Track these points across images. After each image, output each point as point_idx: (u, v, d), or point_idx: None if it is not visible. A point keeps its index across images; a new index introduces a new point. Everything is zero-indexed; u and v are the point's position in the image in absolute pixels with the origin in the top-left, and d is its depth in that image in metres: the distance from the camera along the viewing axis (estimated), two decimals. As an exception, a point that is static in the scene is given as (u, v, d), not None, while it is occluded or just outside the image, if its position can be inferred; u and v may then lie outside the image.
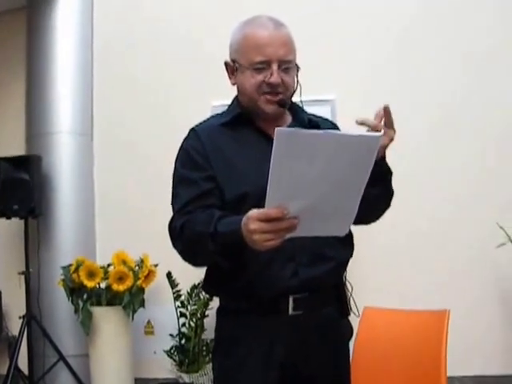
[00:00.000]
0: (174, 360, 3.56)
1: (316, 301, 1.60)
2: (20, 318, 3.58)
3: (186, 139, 1.68)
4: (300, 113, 1.72)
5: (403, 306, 2.44)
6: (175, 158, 1.68)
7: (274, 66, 1.57)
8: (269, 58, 1.57)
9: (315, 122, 1.70)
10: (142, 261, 3.58)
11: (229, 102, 1.74)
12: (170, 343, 3.60)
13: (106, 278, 3.53)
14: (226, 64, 1.68)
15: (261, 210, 1.31)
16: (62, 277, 3.54)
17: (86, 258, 3.60)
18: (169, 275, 3.57)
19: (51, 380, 3.70)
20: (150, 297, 3.63)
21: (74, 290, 3.53)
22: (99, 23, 4.10)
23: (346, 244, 1.67)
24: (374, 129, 1.47)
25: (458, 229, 3.55)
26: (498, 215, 3.36)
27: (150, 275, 3.57)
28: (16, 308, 3.79)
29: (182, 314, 3.56)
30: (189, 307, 3.54)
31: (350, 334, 1.77)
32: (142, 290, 3.55)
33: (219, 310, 1.71)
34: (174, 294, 3.58)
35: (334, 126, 1.78)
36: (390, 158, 1.57)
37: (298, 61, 1.64)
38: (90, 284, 3.48)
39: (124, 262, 3.54)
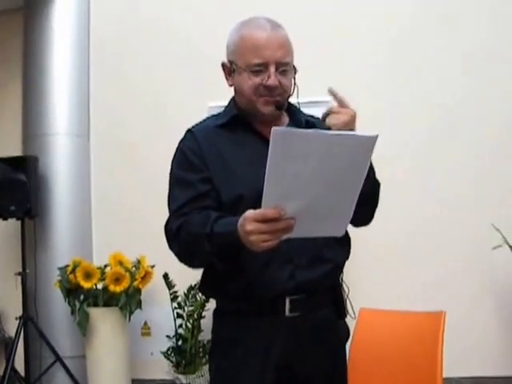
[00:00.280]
0: (171, 361, 3.56)
1: (313, 303, 1.60)
2: (16, 318, 3.58)
3: (182, 140, 1.67)
4: (297, 114, 1.72)
5: (399, 308, 2.44)
6: (172, 158, 1.67)
7: (272, 69, 1.56)
8: (266, 60, 1.55)
9: (312, 124, 1.69)
10: (138, 262, 3.59)
11: (225, 103, 1.73)
12: (166, 344, 3.60)
13: (102, 278, 3.53)
14: (223, 65, 1.66)
15: (257, 211, 1.31)
16: (59, 278, 3.54)
17: (82, 258, 3.61)
18: (165, 276, 3.57)
19: (48, 381, 3.69)
20: (146, 298, 3.62)
21: (71, 291, 3.53)
22: (96, 24, 4.10)
23: (344, 245, 1.68)
24: (340, 103, 1.52)
25: (455, 230, 3.56)
26: (495, 217, 3.37)
27: (146, 276, 3.57)
28: (12, 309, 3.79)
29: (179, 315, 3.56)
30: (185, 308, 3.54)
31: (346, 336, 1.78)
32: (138, 291, 3.55)
33: (216, 312, 1.70)
34: (170, 295, 3.58)
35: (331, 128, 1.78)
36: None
37: (296, 62, 1.63)
38: (86, 285, 3.48)
39: (121, 263, 3.54)
